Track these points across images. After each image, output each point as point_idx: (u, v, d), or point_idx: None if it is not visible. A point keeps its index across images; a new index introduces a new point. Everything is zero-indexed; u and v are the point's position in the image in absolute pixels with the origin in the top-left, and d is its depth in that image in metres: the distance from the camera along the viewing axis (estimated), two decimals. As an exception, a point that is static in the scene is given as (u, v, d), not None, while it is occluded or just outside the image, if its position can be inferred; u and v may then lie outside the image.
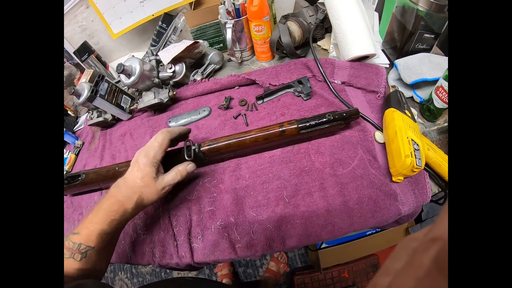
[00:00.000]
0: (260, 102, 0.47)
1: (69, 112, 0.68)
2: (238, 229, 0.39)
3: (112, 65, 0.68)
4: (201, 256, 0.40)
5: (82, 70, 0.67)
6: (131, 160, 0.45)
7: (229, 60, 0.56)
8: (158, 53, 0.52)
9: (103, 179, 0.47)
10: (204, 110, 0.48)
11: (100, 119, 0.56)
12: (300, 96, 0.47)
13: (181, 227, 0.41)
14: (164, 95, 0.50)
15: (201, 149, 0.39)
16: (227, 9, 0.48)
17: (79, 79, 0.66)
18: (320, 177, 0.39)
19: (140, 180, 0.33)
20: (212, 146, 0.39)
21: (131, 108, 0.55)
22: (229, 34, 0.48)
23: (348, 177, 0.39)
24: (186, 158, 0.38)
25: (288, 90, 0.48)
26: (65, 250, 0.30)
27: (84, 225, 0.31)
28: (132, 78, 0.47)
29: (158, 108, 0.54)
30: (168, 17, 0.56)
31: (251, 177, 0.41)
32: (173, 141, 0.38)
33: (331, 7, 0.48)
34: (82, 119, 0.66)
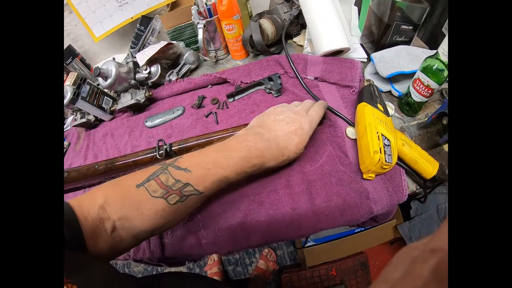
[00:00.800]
0: (231, 100, 0.48)
1: None
2: (204, 226, 0.39)
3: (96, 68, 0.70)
4: (171, 251, 0.40)
5: (67, 72, 0.70)
6: (110, 159, 0.47)
7: (205, 59, 0.57)
8: (136, 55, 0.53)
9: (84, 177, 0.49)
10: (178, 110, 0.49)
11: (83, 120, 0.58)
12: (270, 93, 0.47)
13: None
14: (140, 95, 0.51)
15: (172, 148, 0.40)
16: (198, 10, 0.48)
17: (64, 81, 0.68)
18: (286, 174, 0.39)
19: (295, 146, 0.30)
20: (182, 145, 0.40)
21: (112, 109, 0.56)
22: (200, 35, 0.48)
23: (316, 174, 0.38)
24: (158, 157, 0.39)
25: (259, 87, 0.48)
26: (156, 186, 0.23)
27: (202, 163, 0.24)
28: (109, 81, 0.48)
29: (137, 109, 0.55)
30: (146, 20, 0.57)
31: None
32: None
33: (303, 2, 0.48)
34: (68, 120, 0.69)
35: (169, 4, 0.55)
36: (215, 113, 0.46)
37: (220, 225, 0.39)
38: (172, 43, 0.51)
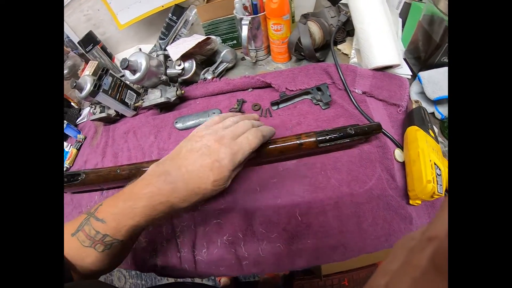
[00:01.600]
0: (275, 108, 0.43)
1: (72, 103, 0.64)
2: (246, 245, 0.36)
3: (118, 57, 0.63)
4: (206, 269, 0.37)
5: (87, 61, 0.63)
6: (134, 163, 0.42)
7: (243, 59, 0.52)
8: (167, 48, 0.48)
9: (104, 180, 0.44)
10: (214, 112, 0.44)
11: (103, 114, 0.52)
12: (318, 104, 0.43)
13: (185, 238, 0.38)
14: (171, 93, 0.46)
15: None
16: (244, 4, 0.43)
17: (83, 70, 0.61)
18: (335, 195, 0.36)
19: (211, 184, 0.24)
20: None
21: (136, 105, 0.51)
22: (245, 32, 0.43)
23: (365, 197, 0.35)
24: None
25: (306, 96, 0.44)
26: (84, 237, 0.24)
27: (113, 215, 0.24)
28: (138, 75, 0.43)
29: (165, 107, 0.50)
30: (179, 9, 0.51)
31: (262, 191, 0.38)
32: None
33: (356, 10, 0.44)
34: (85, 112, 0.62)
35: (205, -6, 0.50)
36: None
37: (264, 246, 0.35)
38: (210, 38, 0.45)
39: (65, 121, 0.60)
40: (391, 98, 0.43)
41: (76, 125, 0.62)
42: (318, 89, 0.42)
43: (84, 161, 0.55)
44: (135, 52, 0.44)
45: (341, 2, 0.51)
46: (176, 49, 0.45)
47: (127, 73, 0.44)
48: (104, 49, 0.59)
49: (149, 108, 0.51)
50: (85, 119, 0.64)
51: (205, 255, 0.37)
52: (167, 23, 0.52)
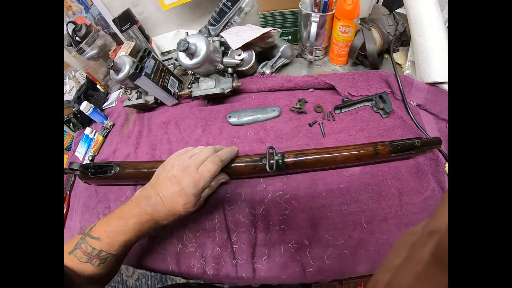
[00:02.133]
0: (337, 112, 0.42)
1: (98, 86, 0.57)
2: (311, 252, 0.34)
3: (156, 40, 0.58)
4: (264, 278, 0.34)
5: (118, 42, 0.57)
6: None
7: (298, 55, 0.49)
8: (222, 35, 0.44)
9: (145, 177, 0.39)
10: (274, 110, 0.42)
11: (140, 101, 0.47)
12: (378, 112, 0.42)
13: (244, 245, 0.35)
14: (226, 84, 0.42)
15: (285, 160, 0.33)
16: (315, 1, 0.41)
17: (114, 51, 0.55)
18: (396, 204, 0.36)
19: (182, 207, 0.30)
20: (300, 158, 0.33)
21: (181, 93, 0.46)
22: (314, 29, 0.41)
23: (420, 207, 0.36)
24: (268, 169, 0.32)
25: (367, 103, 0.43)
26: (81, 254, 0.28)
27: (107, 232, 0.29)
28: (196, 60, 0.39)
29: (213, 98, 0.46)
30: (235, -4, 0.47)
31: (328, 197, 0.36)
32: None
33: (417, 23, 0.44)
34: (113, 96, 0.56)
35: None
36: (321, 123, 0.40)
37: (329, 253, 0.34)
38: (275, 30, 0.43)
39: (91, 105, 0.53)
40: (442, 113, 0.44)
41: (102, 110, 0.55)
42: (380, 97, 0.42)
43: (112, 151, 0.49)
44: (194, 34, 0.39)
45: (396, 11, 0.52)
46: (236, 38, 0.42)
47: (182, 56, 0.40)
48: (141, 29, 0.53)
49: (194, 98, 0.47)
50: (113, 104, 0.57)
51: (266, 263, 0.35)
52: (221, 9, 0.48)
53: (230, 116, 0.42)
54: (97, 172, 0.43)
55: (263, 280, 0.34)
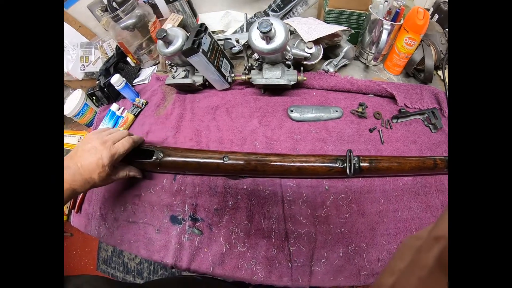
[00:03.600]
0: (394, 121, 0.43)
1: (129, 60, 0.50)
2: (367, 256, 0.35)
3: (203, 18, 0.53)
4: (320, 281, 0.34)
5: (158, 15, 0.51)
6: (253, 154, 0.36)
7: (356, 58, 0.49)
8: (292, 24, 0.42)
9: (196, 168, 0.36)
10: (336, 111, 0.41)
11: (187, 80, 0.43)
12: (429, 126, 0.45)
13: (303, 247, 0.35)
14: (292, 76, 0.41)
15: (361, 164, 0.33)
16: (389, 9, 0.41)
17: (154, 24, 0.49)
18: (439, 215, 0.39)
19: (97, 176, 0.33)
20: (373, 165, 0.34)
21: (236, 78, 0.43)
22: (384, 36, 0.42)
23: None
24: (348, 173, 0.32)
25: (419, 116, 0.45)
26: None
27: None
28: (273, 45, 0.36)
29: (271, 88, 0.44)
30: (302, -15, 0.46)
31: (385, 203, 0.37)
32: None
33: None
34: (146, 72, 0.51)
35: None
36: (380, 131, 0.41)
37: (382, 257, 0.36)
38: (347, 30, 0.42)
39: (123, 79, 0.47)
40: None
41: (132, 86, 0.49)
42: (433, 112, 0.44)
43: (145, 132, 0.45)
44: (272, 17, 0.36)
45: (446, 29, 0.54)
46: (309, 30, 0.40)
47: (257, 39, 0.36)
48: (190, 4, 0.48)
49: (248, 85, 0.44)
50: (147, 81, 0.51)
51: (323, 266, 0.35)
52: (286, -5, 0.46)
53: (292, 111, 0.41)
54: (133, 156, 0.38)
55: (318, 282, 0.34)
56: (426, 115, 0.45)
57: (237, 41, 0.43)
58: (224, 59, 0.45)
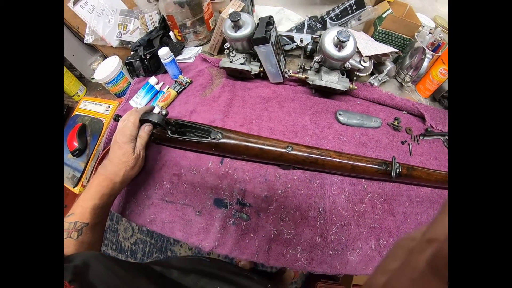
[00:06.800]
0: (421, 137, 0.52)
1: (172, 35, 0.52)
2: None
3: (258, 12, 0.56)
4: (353, 269, 0.41)
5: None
6: (316, 148, 0.41)
7: (393, 76, 0.57)
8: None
9: (256, 154, 0.40)
10: (377, 121, 0.48)
11: (245, 67, 0.47)
12: (446, 147, 0.54)
13: (343, 237, 0.41)
14: (345, 84, 0.47)
15: (400, 170, 0.40)
16: (433, 40, 0.50)
17: (208, 5, 0.51)
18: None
19: (122, 156, 0.38)
20: (409, 172, 0.41)
21: (293, 74, 0.48)
22: (426, 63, 0.50)
23: None
24: (392, 176, 0.39)
25: (441, 137, 0.54)
26: None
27: (78, 204, 0.34)
28: (343, 54, 0.41)
29: (322, 91, 0.49)
30: (361, 2, 0.52)
31: (410, 206, 0.45)
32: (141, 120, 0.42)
33: None
34: (191, 51, 0.53)
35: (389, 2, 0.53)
36: (410, 144, 0.49)
37: None
38: (397, 52, 0.49)
39: (171, 54, 0.49)
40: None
41: None
42: (450, 135, 0.54)
43: (189, 111, 0.47)
44: (342, 29, 0.42)
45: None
46: (366, 45, 0.47)
47: (328, 43, 0.41)
48: None
49: (299, 83, 0.49)
50: (191, 60, 0.53)
51: (357, 255, 0.41)
52: (345, 8, 0.52)
53: (340, 114, 0.47)
54: (178, 131, 0.41)
55: (352, 270, 0.40)
56: (446, 137, 0.54)
57: (301, 41, 0.47)
58: (282, 54, 0.49)
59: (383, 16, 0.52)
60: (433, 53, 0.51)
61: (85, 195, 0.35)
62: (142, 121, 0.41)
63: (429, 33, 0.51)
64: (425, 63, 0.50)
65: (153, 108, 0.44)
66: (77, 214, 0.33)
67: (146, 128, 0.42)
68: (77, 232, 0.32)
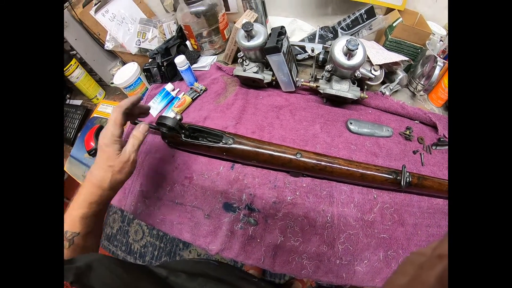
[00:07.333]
0: (434, 147, 0.51)
1: (189, 44, 0.55)
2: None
3: (271, 22, 0.58)
4: (360, 280, 0.41)
5: (226, 9, 0.56)
6: (325, 156, 0.41)
7: (405, 85, 0.57)
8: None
9: (265, 160, 0.41)
10: (388, 130, 0.49)
11: (258, 75, 0.49)
12: (459, 157, 0.54)
13: (351, 247, 0.41)
14: (356, 92, 0.47)
15: (410, 180, 0.40)
16: (444, 48, 0.50)
17: (223, 16, 0.54)
18: None
19: (107, 160, 0.34)
20: (420, 182, 0.41)
21: (304, 83, 0.49)
22: (437, 72, 0.50)
23: None
24: (402, 185, 0.39)
25: (453, 147, 0.54)
26: None
27: (68, 213, 0.33)
28: (353, 62, 0.42)
29: (333, 99, 0.50)
30: (371, 12, 0.53)
31: (420, 217, 0.45)
32: (128, 115, 0.37)
33: None
34: (206, 59, 0.56)
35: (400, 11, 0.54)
36: (422, 154, 0.49)
37: None
38: (407, 61, 0.50)
39: (187, 62, 0.51)
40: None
41: None
42: (464, 146, 0.53)
43: (202, 117, 0.49)
44: (351, 38, 0.43)
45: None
46: (376, 54, 0.47)
47: (337, 52, 0.43)
48: (263, 4, 0.54)
49: (311, 92, 0.50)
50: (206, 68, 0.56)
51: (365, 266, 0.41)
52: (356, 17, 0.53)
53: (351, 123, 0.48)
54: (192, 136, 0.42)
55: (358, 281, 0.40)
56: (458, 147, 0.53)
57: (312, 50, 0.49)
58: (294, 63, 0.51)
59: (394, 25, 0.52)
60: (444, 61, 0.51)
61: (74, 204, 0.34)
62: (158, 124, 0.43)
63: (440, 40, 0.51)
64: (437, 71, 0.50)
65: (139, 98, 0.38)
66: (67, 223, 0.32)
67: (142, 127, 0.37)
68: (68, 242, 0.31)
